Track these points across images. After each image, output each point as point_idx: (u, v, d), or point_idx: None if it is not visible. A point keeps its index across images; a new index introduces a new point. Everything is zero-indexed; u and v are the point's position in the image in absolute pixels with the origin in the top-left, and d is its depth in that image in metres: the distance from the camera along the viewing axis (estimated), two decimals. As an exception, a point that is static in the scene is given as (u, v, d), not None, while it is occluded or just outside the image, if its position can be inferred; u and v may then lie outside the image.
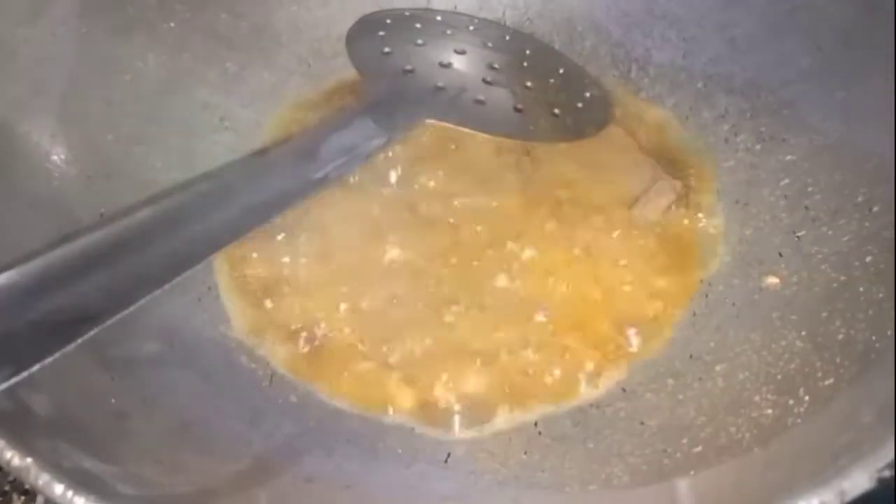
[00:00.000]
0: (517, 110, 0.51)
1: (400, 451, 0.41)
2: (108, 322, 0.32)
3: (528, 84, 0.53)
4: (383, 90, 0.49)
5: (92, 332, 0.31)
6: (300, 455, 0.39)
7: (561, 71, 0.55)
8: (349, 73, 0.54)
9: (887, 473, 0.28)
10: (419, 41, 0.53)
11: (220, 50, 0.54)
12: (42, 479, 0.28)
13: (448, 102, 0.50)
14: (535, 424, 0.42)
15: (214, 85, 0.53)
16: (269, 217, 0.40)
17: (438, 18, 0.55)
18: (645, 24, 0.56)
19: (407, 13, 0.55)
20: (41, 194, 0.43)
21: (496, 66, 0.53)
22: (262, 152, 0.45)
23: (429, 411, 0.42)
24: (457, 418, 0.42)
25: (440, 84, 0.51)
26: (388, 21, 0.54)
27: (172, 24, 0.52)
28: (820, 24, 0.49)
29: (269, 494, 0.36)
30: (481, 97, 0.51)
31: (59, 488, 0.28)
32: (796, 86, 0.50)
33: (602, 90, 0.54)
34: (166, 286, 0.34)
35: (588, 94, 0.54)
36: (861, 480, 0.28)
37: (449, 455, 0.40)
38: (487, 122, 0.50)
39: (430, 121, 0.48)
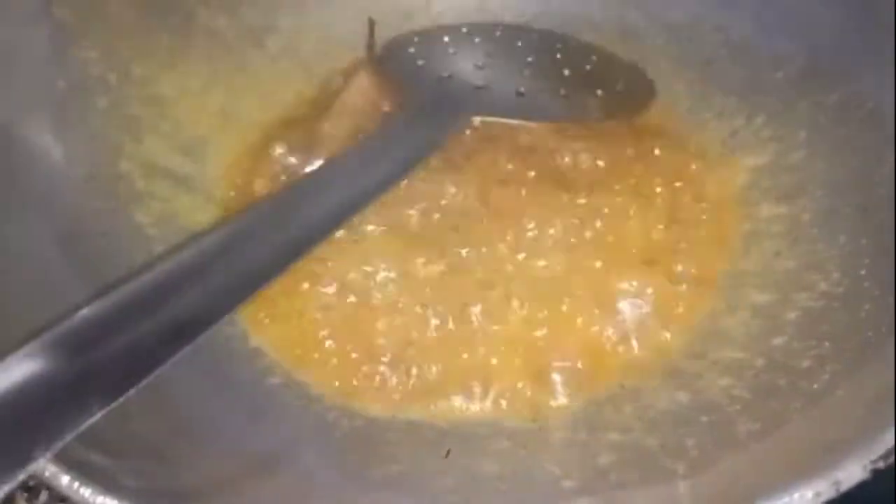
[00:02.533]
0: (560, 96, 0.52)
1: (399, 446, 0.41)
2: (195, 341, 0.33)
3: (566, 72, 0.53)
4: (426, 96, 0.50)
5: (179, 354, 0.32)
6: (300, 453, 0.40)
7: (594, 58, 0.55)
8: (349, 72, 0.55)
9: (881, 465, 0.28)
10: (451, 51, 0.54)
11: (219, 51, 0.54)
12: (49, 471, 0.28)
13: (490, 98, 0.51)
14: (534, 421, 0.42)
15: (215, 85, 0.53)
16: (334, 228, 0.42)
17: (464, 30, 0.56)
18: (641, 25, 0.56)
19: (433, 30, 0.56)
20: (42, 194, 0.43)
21: (530, 60, 0.54)
22: (317, 170, 0.46)
23: (427, 407, 0.43)
24: (455, 415, 0.42)
25: (480, 83, 0.52)
26: (416, 39, 0.55)
27: (172, 25, 0.52)
28: (813, 25, 0.49)
29: (270, 491, 0.36)
30: (522, 89, 0.52)
31: (65, 479, 0.28)
32: (791, 87, 0.50)
33: (638, 70, 0.55)
34: (246, 299, 0.36)
35: (626, 75, 0.54)
36: (855, 472, 0.28)
37: (449, 451, 0.40)
38: (532, 111, 0.51)
39: (477, 118, 0.49)
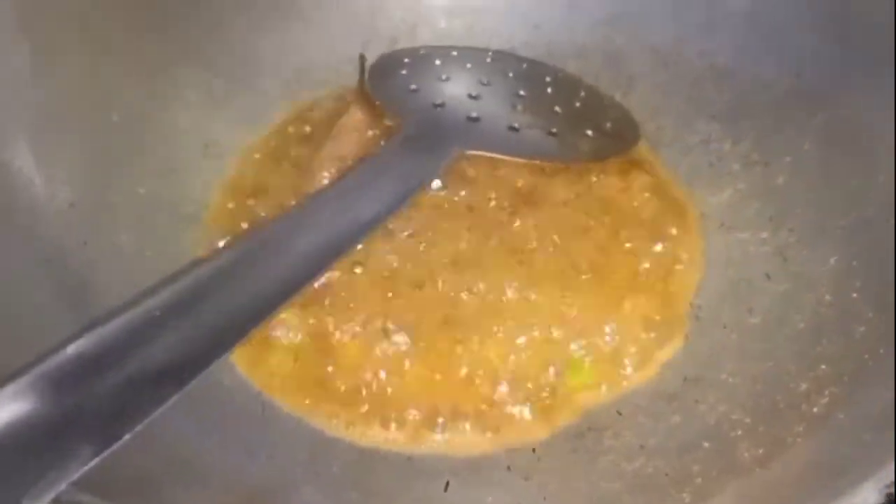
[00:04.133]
0: (551, 134, 0.52)
1: (397, 480, 0.41)
2: (196, 378, 0.32)
3: (557, 109, 0.54)
4: (419, 126, 0.50)
5: (179, 394, 0.31)
6: (297, 488, 0.39)
7: (582, 94, 0.55)
8: (332, 97, 0.56)
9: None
10: (443, 76, 0.54)
11: (204, 74, 0.54)
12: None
13: (483, 132, 0.51)
14: (534, 451, 0.41)
15: (198, 111, 0.53)
16: (321, 269, 0.41)
17: (455, 54, 0.56)
18: (627, 51, 0.57)
19: (422, 51, 0.57)
20: (25, 221, 0.43)
21: (522, 93, 0.54)
22: (306, 201, 0.45)
23: (424, 439, 0.42)
24: (453, 446, 0.42)
25: (473, 115, 0.52)
26: (407, 60, 0.56)
27: (155, 48, 0.51)
28: (797, 50, 0.50)
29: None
30: (515, 124, 0.52)
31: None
32: (776, 111, 0.51)
33: (624, 109, 0.55)
34: (242, 339, 0.35)
35: (613, 114, 0.55)
36: (870, 496, 0.28)
37: (448, 484, 0.40)
38: (524, 148, 0.51)
39: (469, 151, 0.49)
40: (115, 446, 0.29)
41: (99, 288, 0.43)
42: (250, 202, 0.51)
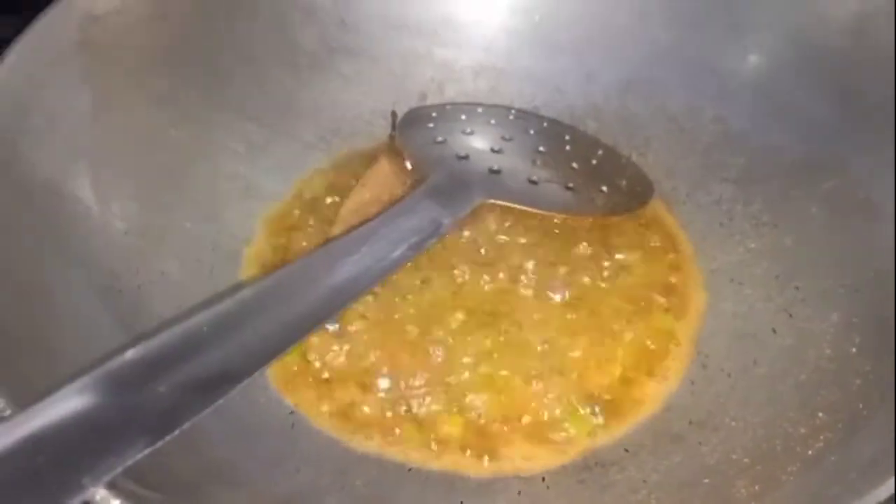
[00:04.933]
0: (568, 188, 0.54)
1: (415, 497, 0.42)
2: (241, 385, 0.35)
3: (574, 165, 0.56)
4: (443, 175, 0.52)
5: (221, 399, 0.34)
6: (321, 500, 0.41)
7: (599, 153, 0.58)
8: (364, 148, 0.59)
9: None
10: (468, 130, 0.57)
11: (247, 124, 0.57)
12: (100, 495, 0.30)
13: (504, 183, 0.53)
14: (543, 479, 0.43)
15: (241, 156, 0.56)
16: (350, 298, 0.43)
17: (480, 110, 0.59)
18: (643, 114, 0.59)
19: (448, 107, 0.59)
20: (83, 248, 0.45)
21: (542, 149, 0.56)
22: (337, 238, 0.47)
23: (446, 459, 0.44)
24: (470, 466, 0.44)
25: (495, 167, 0.54)
26: (434, 114, 0.58)
27: (204, 99, 0.55)
28: (807, 121, 0.52)
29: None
30: (534, 178, 0.54)
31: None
32: (786, 176, 0.53)
33: (638, 169, 0.57)
34: (277, 357, 0.37)
35: (628, 172, 0.57)
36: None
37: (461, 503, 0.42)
38: (542, 201, 0.53)
39: (490, 200, 0.51)
40: (166, 440, 0.32)
41: (149, 314, 0.46)
42: (284, 241, 0.54)
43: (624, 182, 0.56)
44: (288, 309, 0.39)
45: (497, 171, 0.54)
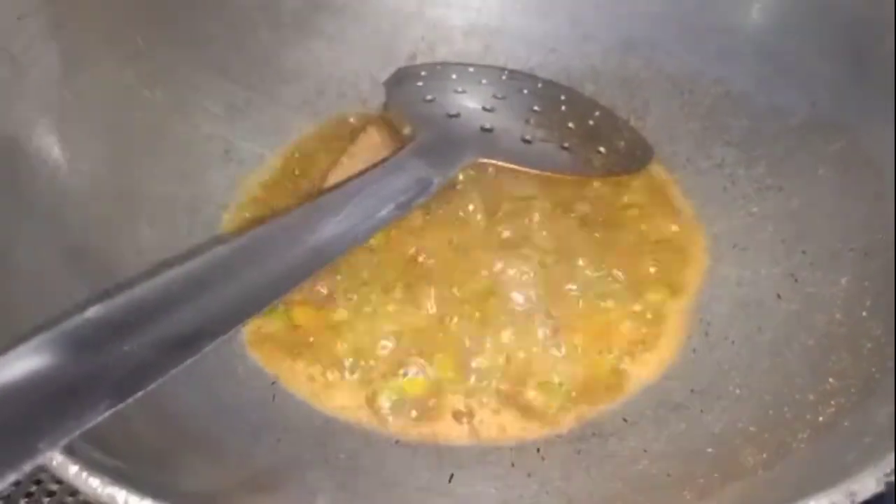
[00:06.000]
0: (564, 148, 0.53)
1: (403, 469, 0.41)
2: (205, 349, 0.33)
3: (570, 125, 0.54)
4: (433, 133, 0.51)
5: (190, 360, 0.32)
6: (303, 473, 0.40)
7: (597, 114, 0.56)
8: (351, 111, 0.57)
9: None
10: (459, 89, 0.55)
11: (227, 84, 0.55)
12: (56, 461, 0.28)
13: (496, 142, 0.52)
14: (538, 450, 0.42)
15: (219, 118, 0.54)
16: (332, 257, 0.41)
17: (471, 70, 0.57)
18: (642, 76, 0.57)
19: (439, 66, 0.58)
20: (49, 207, 0.43)
21: (536, 108, 0.55)
22: (321, 195, 0.46)
23: (434, 430, 0.43)
24: (460, 440, 0.43)
25: (487, 126, 0.53)
26: (424, 73, 0.57)
27: (181, 57, 0.53)
28: (813, 81, 0.50)
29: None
30: (528, 137, 0.53)
31: (72, 469, 0.28)
32: (791, 138, 0.51)
33: (636, 132, 0.56)
34: (253, 315, 0.36)
35: (627, 134, 0.56)
36: (869, 483, 0.28)
37: (452, 476, 0.40)
38: (536, 160, 0.52)
39: (480, 159, 0.50)
40: (128, 401, 0.30)
41: (119, 274, 0.43)
42: (266, 209, 0.52)
43: (622, 143, 0.55)
44: (265, 267, 0.38)
45: (489, 130, 0.53)
